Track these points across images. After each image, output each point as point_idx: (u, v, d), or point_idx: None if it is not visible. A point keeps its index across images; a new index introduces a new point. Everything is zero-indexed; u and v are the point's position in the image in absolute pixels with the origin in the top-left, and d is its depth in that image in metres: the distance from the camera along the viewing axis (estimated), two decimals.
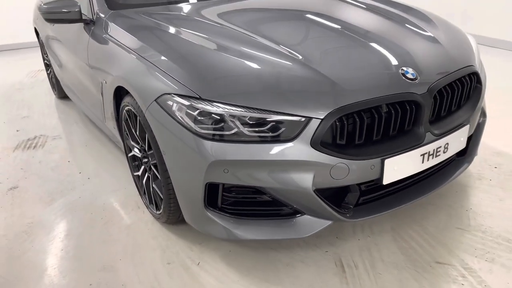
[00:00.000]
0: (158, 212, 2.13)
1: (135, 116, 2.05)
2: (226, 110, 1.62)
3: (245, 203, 1.78)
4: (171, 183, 1.87)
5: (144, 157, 2.18)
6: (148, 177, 2.19)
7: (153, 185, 2.13)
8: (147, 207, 2.28)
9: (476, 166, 2.54)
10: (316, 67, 1.77)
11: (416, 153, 1.75)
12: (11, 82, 5.04)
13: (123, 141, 2.39)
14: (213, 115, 1.63)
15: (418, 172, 1.88)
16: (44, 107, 4.16)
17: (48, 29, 3.57)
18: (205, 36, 2.09)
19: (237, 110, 1.62)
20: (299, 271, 1.84)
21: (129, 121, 2.18)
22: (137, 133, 2.12)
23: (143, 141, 2.10)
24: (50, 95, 4.50)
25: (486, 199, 2.24)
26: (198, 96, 1.66)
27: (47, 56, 4.15)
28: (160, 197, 2.04)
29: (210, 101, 1.65)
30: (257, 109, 1.62)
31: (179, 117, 1.69)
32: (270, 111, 1.61)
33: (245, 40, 2.02)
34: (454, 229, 2.03)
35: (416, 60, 1.87)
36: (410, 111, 1.74)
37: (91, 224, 2.26)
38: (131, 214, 2.32)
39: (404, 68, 1.80)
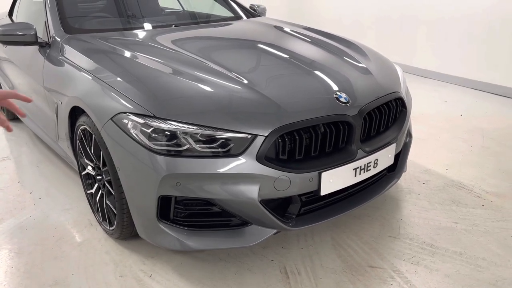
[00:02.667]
0: (111, 228, 2.20)
1: (90, 135, 2.13)
2: (179, 127, 1.77)
3: (196, 215, 1.91)
4: (125, 198, 1.96)
5: (98, 175, 2.26)
6: (102, 194, 2.26)
7: (107, 202, 2.20)
8: (100, 224, 2.34)
9: (406, 181, 2.83)
10: (261, 91, 1.97)
11: (349, 168, 1.97)
12: None
13: (77, 160, 2.45)
14: (166, 132, 1.77)
15: (353, 185, 2.10)
16: None
17: (3, 54, 3.57)
18: (159, 60, 2.24)
19: (189, 128, 1.77)
20: (246, 279, 1.98)
21: (83, 140, 2.26)
22: (92, 151, 2.20)
23: (97, 158, 2.18)
24: None
25: (414, 210, 2.50)
26: (152, 115, 1.80)
27: None
28: (114, 212, 2.12)
29: (164, 119, 1.79)
30: (207, 126, 1.78)
31: (134, 134, 1.81)
32: (220, 128, 1.78)
33: (197, 65, 2.19)
34: (386, 237, 2.26)
35: (349, 87, 2.13)
36: (343, 131, 1.97)
37: (43, 242, 2.28)
38: (84, 231, 2.36)
39: (338, 93, 2.04)
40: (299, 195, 1.96)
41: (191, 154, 1.77)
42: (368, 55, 2.61)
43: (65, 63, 2.41)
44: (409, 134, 2.52)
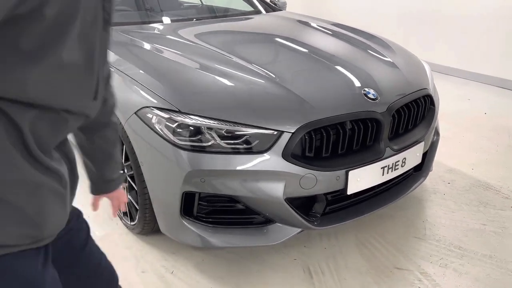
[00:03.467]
0: (132, 223, 2.18)
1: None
2: (204, 123, 1.73)
3: (220, 212, 1.88)
4: (148, 193, 1.94)
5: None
6: (123, 188, 2.24)
7: (129, 196, 2.18)
8: (121, 218, 2.32)
9: (431, 181, 2.75)
10: (288, 86, 1.92)
11: (377, 166, 1.92)
12: None
13: None
14: (191, 127, 1.74)
15: (379, 184, 2.04)
16: None
17: None
18: (182, 54, 2.21)
19: (214, 123, 1.73)
20: (269, 278, 1.94)
21: None
22: None
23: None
24: None
25: (440, 211, 2.43)
26: (177, 110, 1.77)
27: None
28: (135, 207, 2.10)
29: (189, 114, 1.76)
30: (232, 122, 1.74)
31: (158, 129, 1.78)
32: (245, 124, 1.74)
33: (221, 60, 2.15)
34: (412, 238, 2.20)
35: (377, 83, 2.06)
36: (371, 128, 1.91)
37: None
38: (104, 226, 2.35)
39: (366, 89, 1.99)
40: (325, 194, 1.91)
41: (216, 150, 1.74)
42: (395, 50, 2.54)
43: None
44: (437, 133, 2.45)
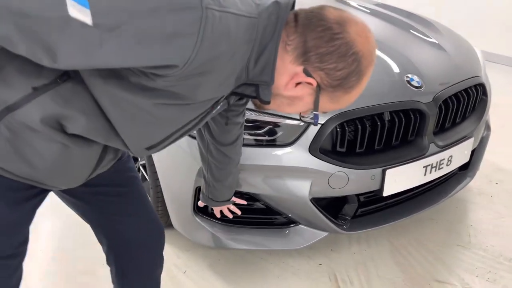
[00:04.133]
0: None
1: None
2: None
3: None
4: (160, 185, 1.77)
5: (133, 158, 2.08)
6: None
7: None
8: None
9: (476, 181, 2.46)
10: None
11: (418, 165, 1.67)
12: None
13: None
14: None
15: (419, 185, 1.79)
16: None
17: None
18: None
19: None
20: (290, 284, 1.75)
21: None
22: None
23: None
24: None
25: (487, 216, 2.16)
26: None
27: None
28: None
29: None
30: (253, 110, 1.53)
31: None
32: (268, 113, 1.52)
33: None
34: (454, 246, 1.95)
35: (422, 69, 1.79)
36: (414, 120, 1.66)
37: (71, 227, 2.15)
38: None
39: (409, 76, 1.72)
40: (357, 195, 1.68)
41: None
42: (442, 32, 2.24)
43: None
44: (488, 127, 2.16)
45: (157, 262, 1.25)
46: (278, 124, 1.52)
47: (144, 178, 1.97)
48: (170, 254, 1.93)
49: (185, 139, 1.56)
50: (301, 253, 1.91)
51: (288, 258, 1.89)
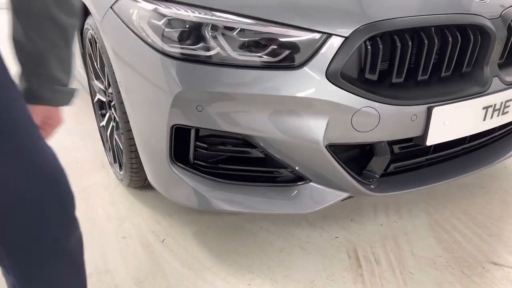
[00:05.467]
0: (121, 172, 1.64)
1: (96, 42, 1.54)
2: (206, 18, 1.10)
3: (229, 160, 1.27)
4: (131, 129, 1.37)
5: (109, 101, 1.68)
6: (113, 126, 1.69)
7: (115, 136, 1.63)
8: (112, 166, 1.79)
9: None
10: None
11: (477, 104, 1.22)
12: None
13: (88, 82, 1.89)
14: (190, 25, 1.11)
15: (473, 135, 1.34)
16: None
17: None
18: None
19: (223, 19, 1.10)
20: (297, 261, 1.33)
21: (92, 53, 1.68)
22: (98, 65, 1.62)
23: (104, 76, 1.60)
24: None
25: None
26: None
27: None
28: (122, 150, 1.55)
29: (184, 4, 1.13)
30: (251, 17, 1.10)
31: (140, 28, 1.18)
32: (271, 21, 1.09)
33: None
34: None
35: None
36: (474, 43, 1.20)
37: None
38: (92, 174, 1.84)
39: None
40: (390, 143, 1.25)
41: (222, 61, 1.11)
42: None
43: None
44: None
45: (59, 235, 0.76)
46: (286, 36, 1.09)
47: (118, 125, 1.58)
48: (149, 218, 1.55)
49: (158, 60, 1.14)
50: (313, 222, 1.50)
51: (295, 228, 1.47)
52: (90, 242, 1.43)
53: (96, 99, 1.84)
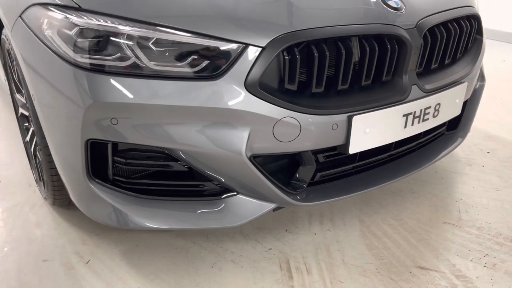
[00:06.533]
0: (45, 190, 1.54)
1: (11, 51, 1.45)
2: (121, 28, 1.06)
3: (151, 175, 1.22)
4: (48, 145, 1.29)
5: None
6: (36, 142, 1.59)
7: (38, 153, 1.54)
8: (37, 183, 1.69)
9: (464, 150, 2.07)
10: None
11: (397, 112, 1.24)
12: None
13: (11, 95, 1.78)
14: (102, 35, 1.06)
15: (397, 142, 1.37)
16: None
17: None
18: None
19: (138, 29, 1.06)
20: (227, 276, 1.30)
21: (11, 65, 1.58)
22: (17, 77, 1.52)
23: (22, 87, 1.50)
24: None
25: (479, 188, 1.76)
26: (77, 6, 1.09)
27: None
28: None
29: (96, 13, 1.08)
30: (166, 26, 1.06)
31: (50, 39, 1.11)
32: (187, 31, 1.06)
33: None
34: (441, 224, 1.54)
35: None
36: (391, 52, 1.23)
37: None
38: (17, 193, 1.72)
39: None
40: (314, 152, 1.25)
41: (137, 72, 1.07)
42: None
43: None
44: (482, 77, 1.75)
45: None
46: (202, 47, 1.06)
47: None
48: (74, 239, 1.46)
49: (68, 71, 1.08)
50: (247, 235, 1.47)
51: (229, 241, 1.44)
52: (7, 267, 1.33)
53: (19, 114, 1.74)
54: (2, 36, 1.52)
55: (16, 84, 1.60)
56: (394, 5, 1.26)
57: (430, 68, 1.39)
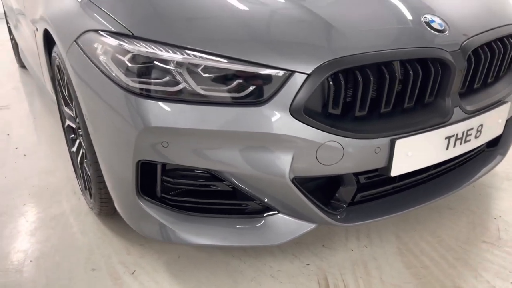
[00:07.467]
0: (91, 200, 1.62)
1: (63, 71, 1.52)
2: (171, 54, 1.10)
3: (195, 193, 1.27)
4: (98, 161, 1.35)
5: (79, 128, 1.66)
6: (83, 153, 1.67)
7: (85, 164, 1.61)
8: (83, 193, 1.77)
9: (502, 163, 2.02)
10: (309, 6, 1.24)
11: (439, 135, 1.24)
12: None
13: (58, 107, 1.87)
14: (154, 61, 1.11)
15: (438, 163, 1.37)
16: (2, 76, 3.63)
17: None
18: None
19: (187, 56, 1.10)
20: None
21: (60, 79, 1.66)
22: (66, 93, 1.60)
23: (72, 103, 1.58)
24: (14, 63, 3.97)
25: None
26: (131, 34, 1.15)
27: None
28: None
29: (148, 41, 1.13)
30: (215, 54, 1.10)
31: (104, 64, 1.17)
32: (234, 58, 1.10)
33: None
34: (480, 242, 1.53)
35: (444, 7, 1.35)
36: (435, 75, 1.23)
37: (9, 211, 1.75)
38: (63, 201, 1.81)
39: (428, 16, 1.29)
40: (355, 174, 1.26)
41: (187, 98, 1.11)
42: None
43: None
44: None
45: None
46: (249, 74, 1.09)
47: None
48: (119, 248, 1.53)
49: (121, 95, 1.14)
50: (285, 250, 1.50)
51: (268, 256, 1.48)
52: (59, 275, 1.41)
53: (66, 125, 1.82)
54: (53, 54, 1.60)
55: (65, 98, 1.68)
56: (438, 27, 1.26)
57: (472, 87, 1.38)
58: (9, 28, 3.86)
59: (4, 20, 4.11)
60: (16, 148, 2.29)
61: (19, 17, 2.56)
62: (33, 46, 2.11)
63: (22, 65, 3.71)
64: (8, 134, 2.48)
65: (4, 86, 3.34)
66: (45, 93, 2.62)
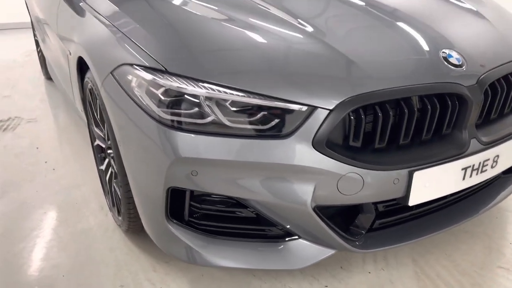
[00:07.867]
0: (120, 218, 1.70)
1: (96, 95, 1.62)
2: (201, 90, 1.18)
3: (221, 218, 1.34)
4: (129, 183, 1.44)
5: (109, 148, 1.75)
6: (112, 173, 1.76)
7: (114, 184, 1.70)
8: (110, 210, 1.86)
9: None
10: (330, 42, 1.31)
11: (456, 166, 1.29)
12: (3, 60, 4.67)
13: (88, 126, 1.97)
14: (185, 95, 1.19)
15: (455, 192, 1.41)
16: (29, 88, 3.77)
17: (34, 1, 3.18)
18: (200, 3, 1.64)
19: (215, 91, 1.17)
20: None
21: (91, 102, 1.76)
22: (98, 116, 1.69)
23: (104, 127, 1.67)
24: (40, 75, 4.12)
25: None
26: (164, 69, 1.23)
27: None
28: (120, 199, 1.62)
29: (180, 76, 1.21)
30: (242, 90, 1.17)
31: (138, 96, 1.25)
32: (261, 94, 1.17)
33: (252, 9, 1.57)
34: (495, 268, 1.56)
35: (461, 41, 1.40)
36: (452, 109, 1.28)
37: (40, 225, 1.85)
38: (91, 216, 1.90)
39: (446, 51, 1.34)
40: (375, 203, 1.32)
41: (215, 130, 1.19)
42: (485, 1, 1.84)
43: (80, 5, 1.89)
44: None
45: None
46: (274, 108, 1.16)
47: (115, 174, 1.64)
48: (146, 265, 1.60)
49: (154, 126, 1.22)
50: (303, 271, 1.56)
51: (287, 276, 1.54)
52: None
53: (95, 144, 1.91)
54: (86, 79, 1.69)
55: (95, 119, 1.77)
56: (456, 62, 1.31)
57: (489, 118, 1.42)
58: (36, 41, 4.01)
59: (30, 29, 4.28)
60: (46, 162, 2.40)
61: (45, 28, 2.68)
62: (63, 65, 2.22)
63: (49, 77, 3.84)
64: (37, 148, 2.59)
65: (32, 98, 3.47)
66: (72, 108, 2.74)
